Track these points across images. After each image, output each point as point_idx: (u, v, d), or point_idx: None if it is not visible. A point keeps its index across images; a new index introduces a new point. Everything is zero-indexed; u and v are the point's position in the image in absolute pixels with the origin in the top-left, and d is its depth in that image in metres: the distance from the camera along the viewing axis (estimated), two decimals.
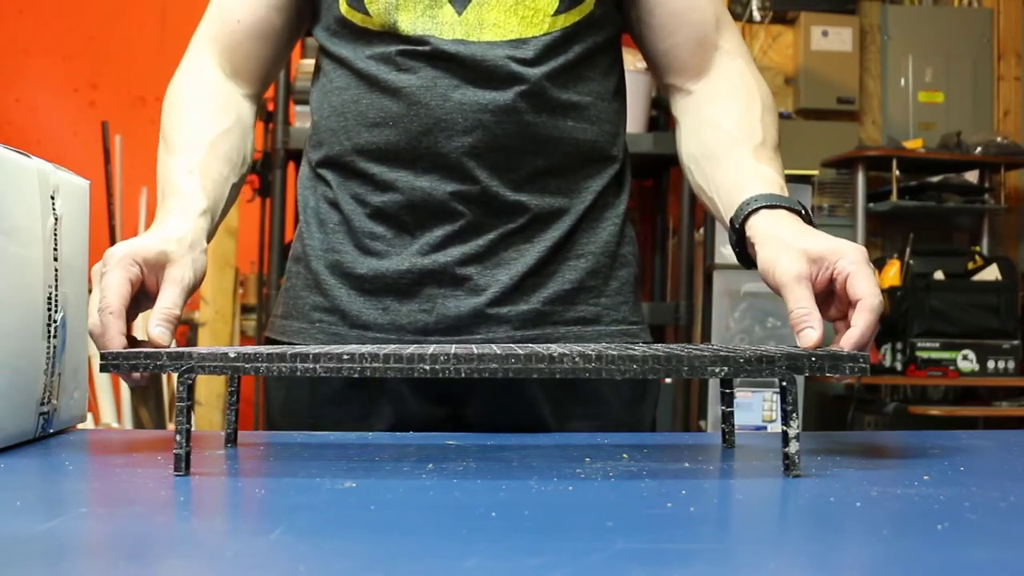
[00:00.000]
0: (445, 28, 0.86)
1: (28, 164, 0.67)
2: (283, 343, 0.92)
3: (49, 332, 0.69)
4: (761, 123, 0.88)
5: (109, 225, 3.05)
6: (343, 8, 0.88)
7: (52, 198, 0.70)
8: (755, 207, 0.78)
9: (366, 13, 0.87)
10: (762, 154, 0.85)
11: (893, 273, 2.99)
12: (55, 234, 0.70)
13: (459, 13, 0.86)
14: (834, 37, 3.33)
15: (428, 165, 0.86)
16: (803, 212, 0.78)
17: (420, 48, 0.85)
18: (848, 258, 0.68)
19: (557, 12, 0.87)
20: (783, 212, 0.77)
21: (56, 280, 0.70)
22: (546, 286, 0.89)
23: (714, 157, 0.87)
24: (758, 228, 0.76)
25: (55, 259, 0.70)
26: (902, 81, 3.40)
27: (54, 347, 0.70)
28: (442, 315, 0.86)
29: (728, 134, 0.87)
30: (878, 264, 3.06)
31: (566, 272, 0.90)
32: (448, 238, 0.86)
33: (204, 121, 0.89)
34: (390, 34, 0.87)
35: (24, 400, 0.66)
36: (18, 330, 0.65)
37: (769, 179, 0.82)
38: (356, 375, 0.54)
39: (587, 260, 0.91)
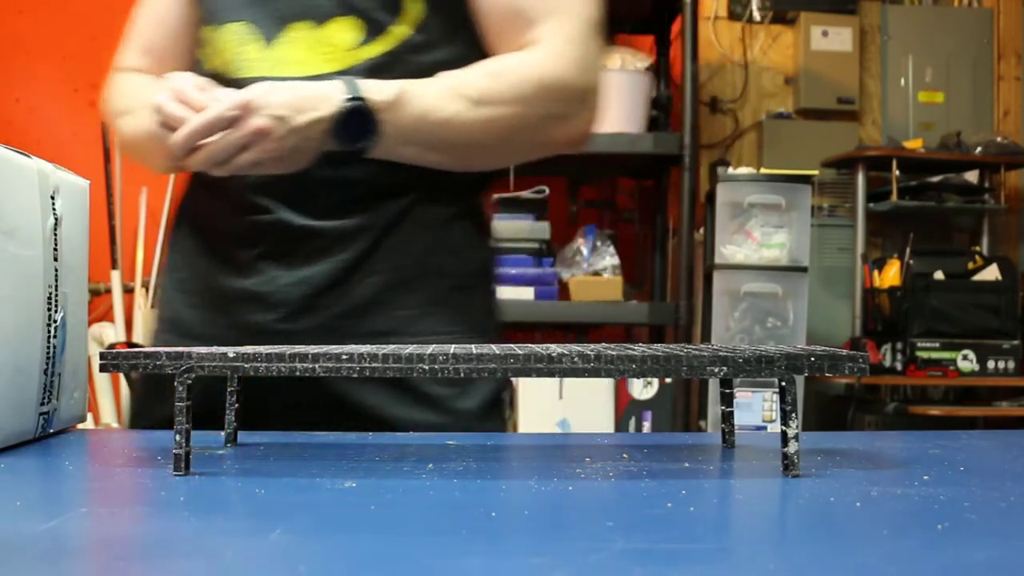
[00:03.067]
0: (254, 64, 0.90)
1: (28, 164, 0.67)
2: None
3: (49, 332, 0.69)
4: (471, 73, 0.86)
5: (109, 225, 3.05)
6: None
7: (52, 198, 0.70)
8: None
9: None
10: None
11: (893, 273, 2.99)
12: (55, 234, 0.70)
13: (265, 50, 0.91)
14: (834, 37, 3.33)
15: (231, 195, 0.91)
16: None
17: (229, 84, 0.88)
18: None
19: (359, 46, 0.89)
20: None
21: (56, 280, 0.70)
22: (337, 303, 0.90)
23: None
24: None
25: (55, 259, 0.70)
26: (902, 81, 3.40)
27: (54, 347, 0.70)
28: (244, 330, 0.91)
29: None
30: (879, 264, 3.06)
31: (359, 289, 0.91)
32: (251, 260, 0.91)
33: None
34: (219, 73, 0.92)
35: (24, 400, 0.67)
36: (18, 330, 0.65)
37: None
38: (356, 375, 0.54)
39: (384, 275, 0.91)
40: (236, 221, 0.92)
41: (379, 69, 0.88)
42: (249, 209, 0.91)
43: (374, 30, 0.89)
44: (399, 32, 0.89)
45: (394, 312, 0.92)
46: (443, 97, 0.85)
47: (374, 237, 0.91)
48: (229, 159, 0.81)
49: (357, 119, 0.82)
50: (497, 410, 0.97)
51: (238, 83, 0.87)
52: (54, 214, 0.70)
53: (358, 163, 0.87)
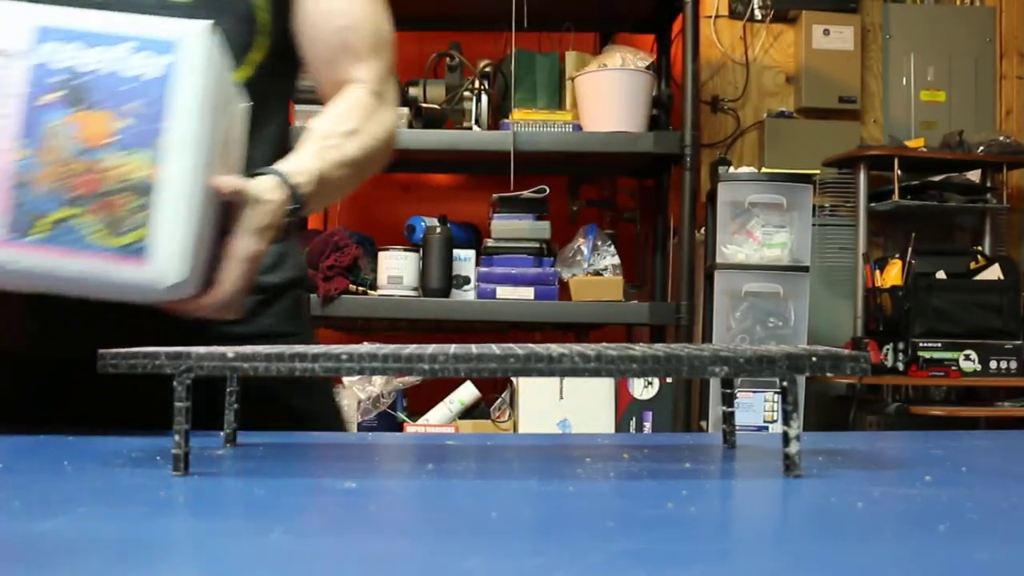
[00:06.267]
0: None
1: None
2: None
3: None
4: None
5: None
6: None
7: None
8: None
9: None
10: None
11: (895, 273, 2.98)
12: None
13: None
14: (835, 36, 3.32)
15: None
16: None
17: None
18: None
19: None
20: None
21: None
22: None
23: None
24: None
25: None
26: (904, 80, 3.39)
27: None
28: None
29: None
30: (880, 264, 3.06)
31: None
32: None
33: None
34: None
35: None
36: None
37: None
38: (356, 375, 0.54)
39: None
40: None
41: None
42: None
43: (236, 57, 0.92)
44: (254, 59, 0.94)
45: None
46: (336, 168, 0.90)
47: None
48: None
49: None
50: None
51: None
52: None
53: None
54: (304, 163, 0.86)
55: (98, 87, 0.70)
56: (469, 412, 2.63)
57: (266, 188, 0.80)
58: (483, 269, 2.54)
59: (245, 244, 0.78)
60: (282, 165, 0.84)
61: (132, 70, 0.70)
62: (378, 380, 2.55)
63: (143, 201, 0.69)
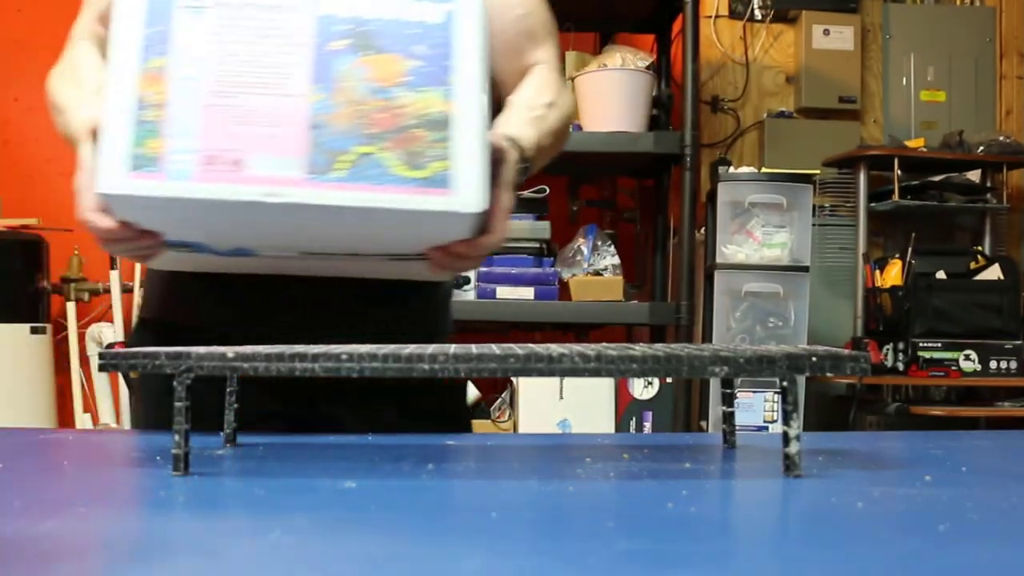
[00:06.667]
0: None
1: None
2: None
3: None
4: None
5: None
6: None
7: None
8: None
9: None
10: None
11: (895, 273, 2.98)
12: None
13: None
14: (835, 36, 3.32)
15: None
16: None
17: None
18: None
19: None
20: None
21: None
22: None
23: None
24: None
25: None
26: (904, 80, 3.39)
27: None
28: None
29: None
30: (880, 264, 3.06)
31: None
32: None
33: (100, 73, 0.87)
34: None
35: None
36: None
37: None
38: (356, 375, 0.54)
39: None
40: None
41: None
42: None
43: None
44: None
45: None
46: (545, 137, 0.92)
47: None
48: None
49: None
50: None
51: None
52: None
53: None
54: (523, 128, 0.87)
55: (384, 33, 0.74)
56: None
57: (510, 148, 0.82)
58: (483, 269, 2.54)
59: (509, 197, 0.80)
60: (506, 128, 0.85)
61: (415, 16, 0.75)
62: None
63: (441, 135, 0.72)
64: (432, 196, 0.71)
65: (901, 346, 2.93)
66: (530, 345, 0.63)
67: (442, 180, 0.72)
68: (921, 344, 2.89)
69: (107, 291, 3.04)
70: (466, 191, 0.72)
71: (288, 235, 0.77)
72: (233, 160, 0.70)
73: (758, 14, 3.36)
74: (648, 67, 2.65)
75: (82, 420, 3.02)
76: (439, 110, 0.73)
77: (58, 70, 0.95)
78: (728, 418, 0.70)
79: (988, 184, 3.19)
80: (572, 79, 2.70)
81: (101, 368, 0.58)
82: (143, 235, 0.76)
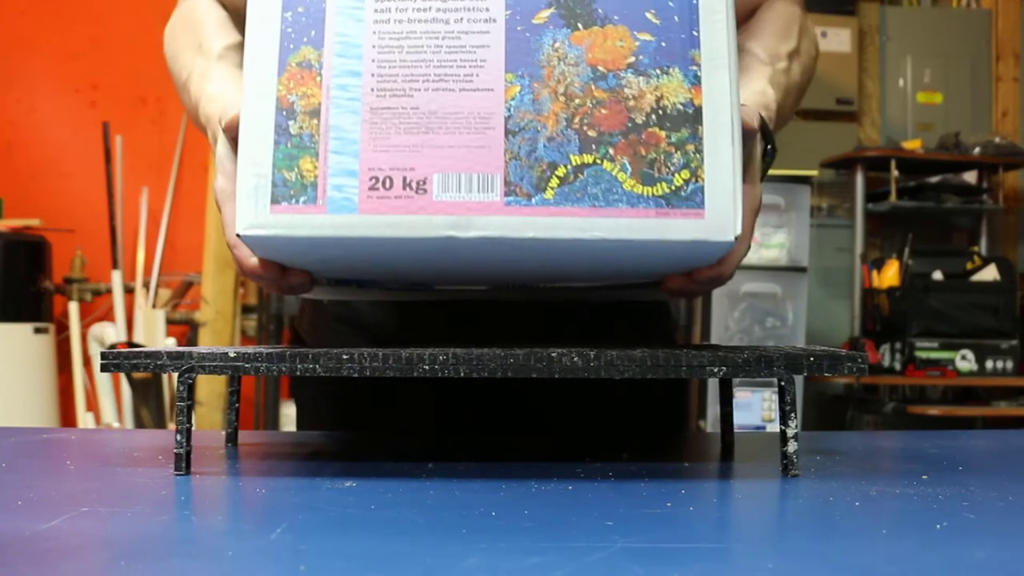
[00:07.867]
0: None
1: None
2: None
3: None
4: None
5: (110, 226, 3.05)
6: None
7: None
8: None
9: None
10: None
11: (892, 273, 2.99)
12: None
13: None
14: (833, 38, 3.33)
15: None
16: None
17: None
18: None
19: None
20: None
21: None
22: None
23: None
24: None
25: None
26: (901, 82, 3.40)
27: None
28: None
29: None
30: (877, 264, 3.06)
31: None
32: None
33: (224, 29, 0.74)
34: None
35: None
36: None
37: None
38: (355, 375, 0.54)
39: None
40: None
41: None
42: None
43: None
44: None
45: None
46: (787, 96, 0.78)
47: None
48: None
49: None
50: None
51: None
52: None
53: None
54: (769, 94, 0.70)
55: None
56: None
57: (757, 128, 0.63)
58: None
59: (758, 193, 0.63)
60: (750, 94, 0.68)
61: None
62: None
63: (685, 134, 0.54)
64: (677, 220, 0.54)
65: (898, 346, 2.94)
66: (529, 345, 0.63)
67: (690, 198, 0.54)
68: (918, 344, 2.89)
69: (109, 291, 3.04)
70: (723, 210, 0.54)
71: (481, 271, 0.61)
72: (409, 182, 0.53)
73: None
74: None
75: (84, 420, 3.03)
76: (681, 99, 0.54)
77: (172, 29, 0.79)
78: (726, 417, 0.70)
79: (984, 185, 3.19)
80: None
81: (103, 368, 0.58)
82: (291, 273, 0.60)
